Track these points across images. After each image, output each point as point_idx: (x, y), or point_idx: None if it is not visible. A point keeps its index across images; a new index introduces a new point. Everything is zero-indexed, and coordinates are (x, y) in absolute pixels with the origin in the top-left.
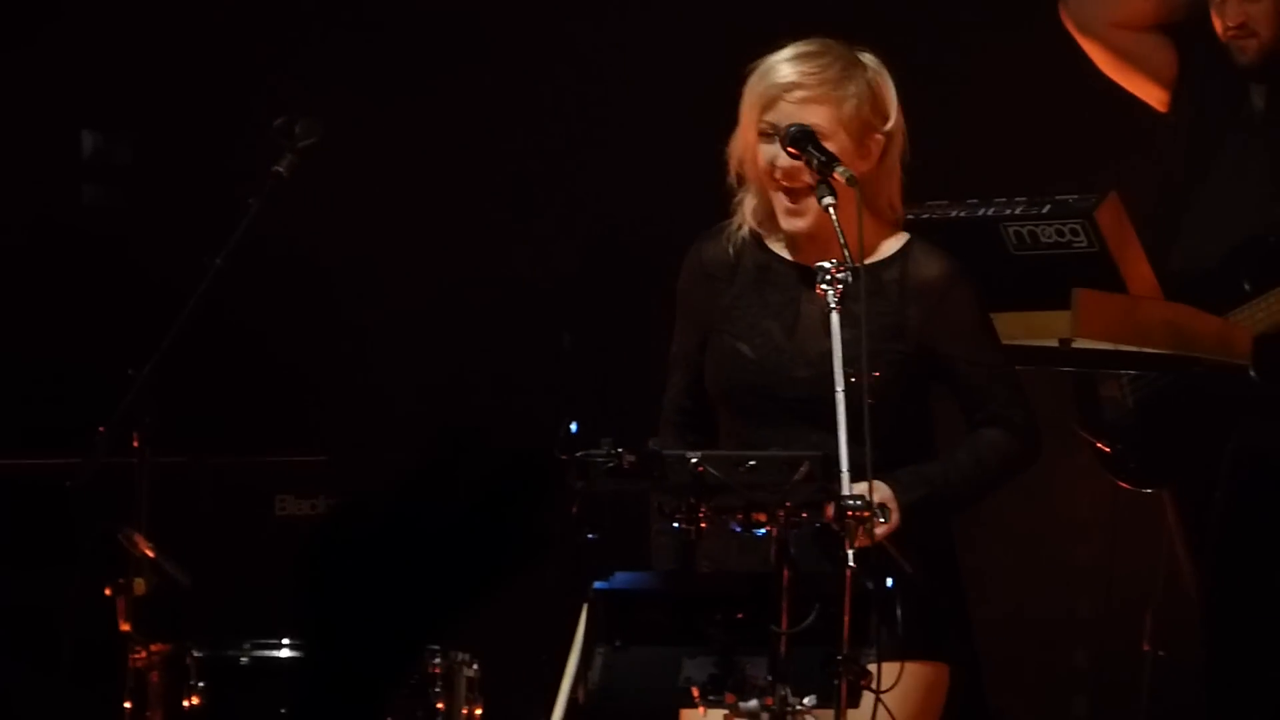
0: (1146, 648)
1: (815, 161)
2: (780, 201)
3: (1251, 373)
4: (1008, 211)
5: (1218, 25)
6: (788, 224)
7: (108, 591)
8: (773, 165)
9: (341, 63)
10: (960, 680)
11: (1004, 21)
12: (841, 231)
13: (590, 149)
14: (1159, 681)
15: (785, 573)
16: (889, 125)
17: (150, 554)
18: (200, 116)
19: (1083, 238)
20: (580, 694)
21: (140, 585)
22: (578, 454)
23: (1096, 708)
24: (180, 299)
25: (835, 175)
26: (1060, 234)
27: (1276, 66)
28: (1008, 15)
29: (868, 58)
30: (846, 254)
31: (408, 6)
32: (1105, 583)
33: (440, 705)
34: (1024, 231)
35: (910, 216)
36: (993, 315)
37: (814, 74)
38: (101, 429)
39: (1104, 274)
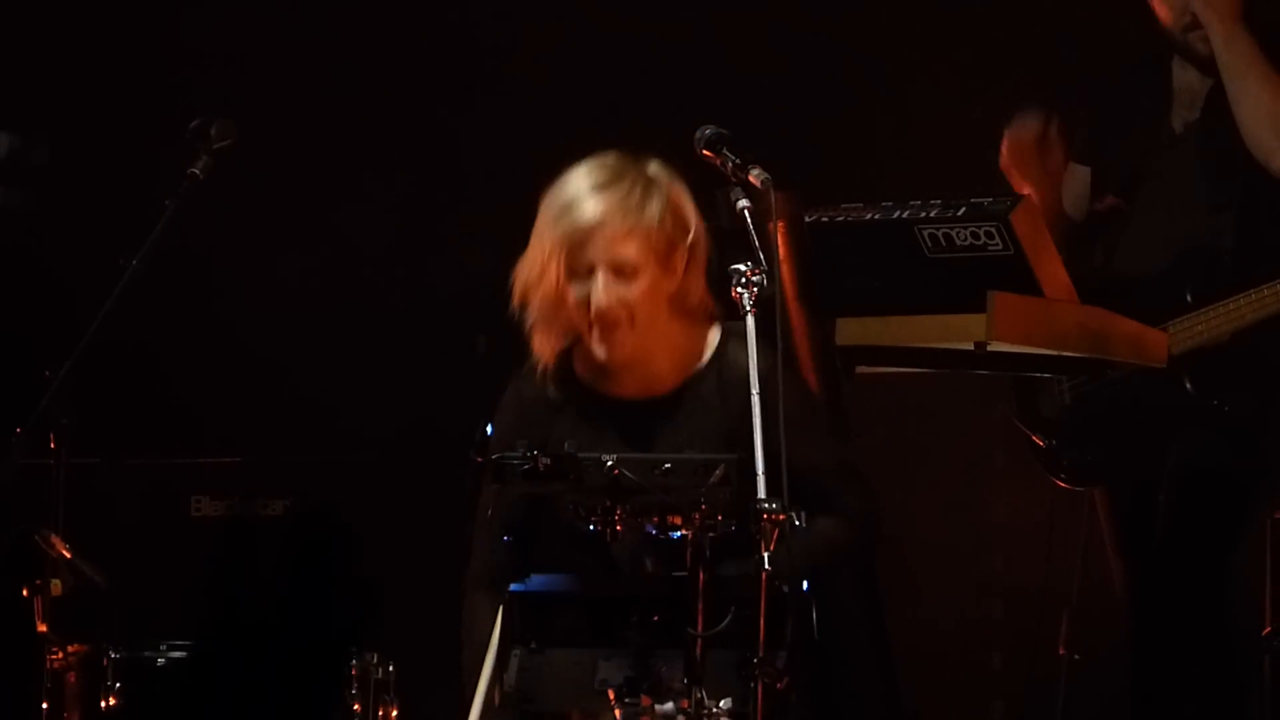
0: (1062, 651)
1: (730, 164)
2: (594, 336)
3: (1187, 385)
4: (923, 214)
5: (1169, 18)
6: (603, 354)
7: (24, 592)
8: (586, 304)
9: (258, 62)
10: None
11: (919, 21)
12: (755, 234)
13: (508, 148)
14: (1074, 684)
15: (701, 576)
16: (691, 236)
17: (67, 555)
18: (116, 117)
19: (998, 240)
20: (496, 696)
21: (57, 586)
22: (493, 457)
23: (1013, 711)
24: (96, 301)
25: (751, 177)
26: (976, 237)
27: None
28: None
29: (656, 168)
30: (762, 256)
31: (325, 5)
32: (1020, 587)
33: (356, 707)
34: (939, 234)
35: (825, 219)
36: (908, 318)
37: (619, 206)
38: (18, 431)
39: (1019, 277)
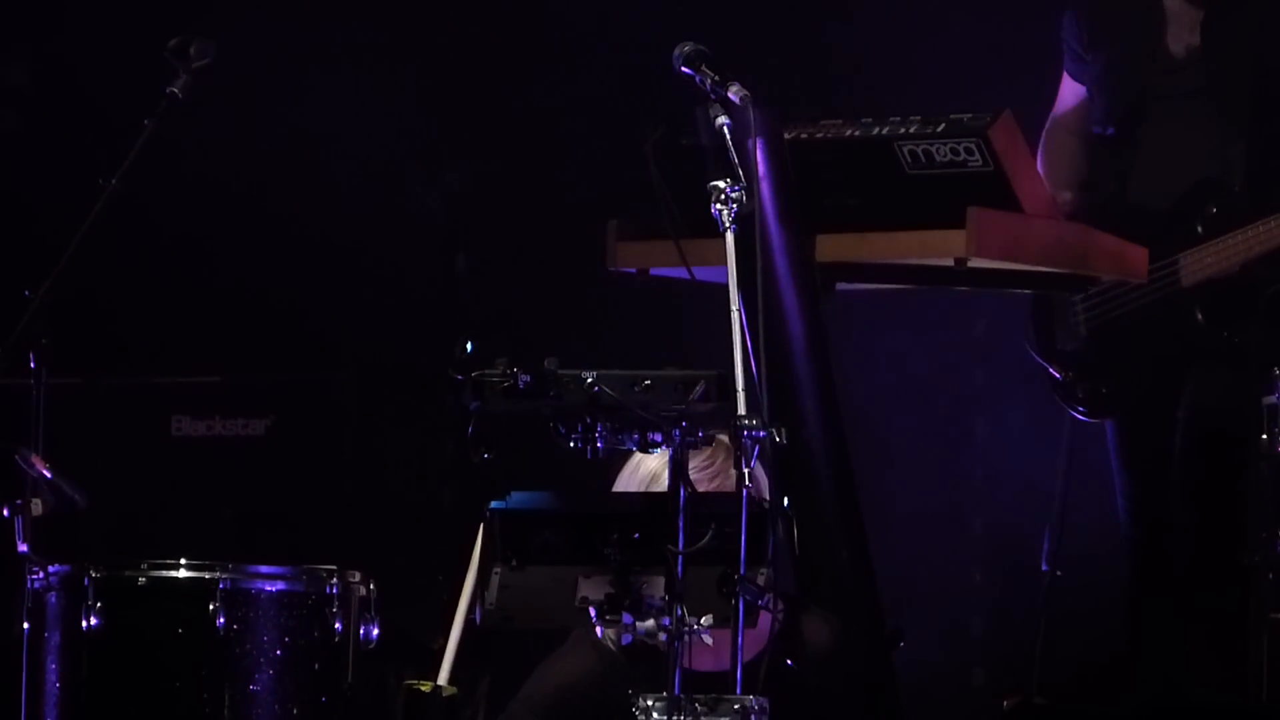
0: (1044, 568)
1: (709, 81)
2: None
3: (1198, 317)
4: (902, 131)
5: None
6: None
7: (4, 512)
8: None
9: None
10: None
11: None
12: (734, 150)
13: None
14: (1055, 601)
15: (681, 492)
16: None
17: (47, 474)
18: (94, 38)
19: (977, 156)
20: (477, 613)
21: (38, 506)
22: (473, 374)
23: (993, 626)
24: (76, 220)
25: (730, 93)
26: (955, 153)
27: None
28: None
29: None
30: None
31: None
32: (999, 503)
33: (337, 625)
34: (919, 151)
35: (804, 135)
36: (887, 235)
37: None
38: None
39: (999, 193)
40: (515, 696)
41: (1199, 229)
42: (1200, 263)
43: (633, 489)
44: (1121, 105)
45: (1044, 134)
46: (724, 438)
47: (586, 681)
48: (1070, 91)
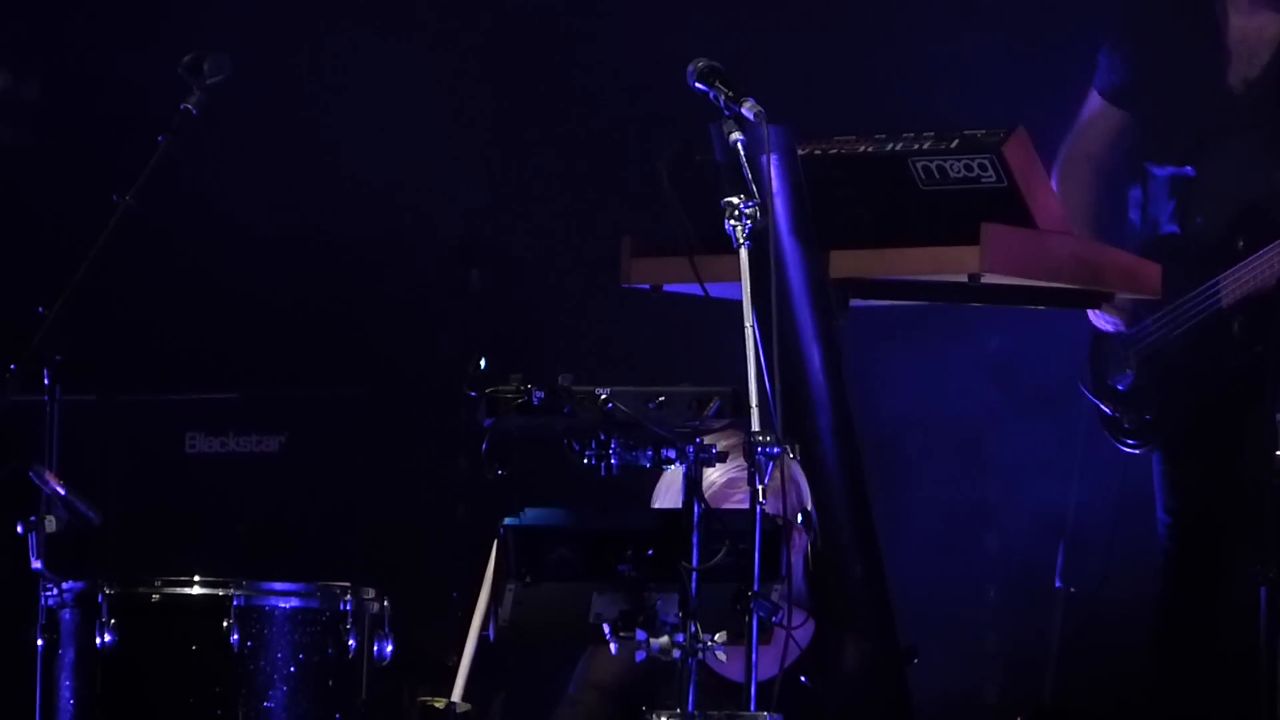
0: (1058, 585)
1: (724, 97)
2: None
3: (1235, 330)
4: (916, 147)
5: None
6: None
7: (19, 529)
8: None
9: None
10: None
11: None
12: (748, 167)
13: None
14: (1069, 618)
15: (696, 508)
16: None
17: (61, 491)
18: (109, 52)
19: (991, 173)
20: (491, 630)
21: (51, 523)
22: (487, 390)
23: (1008, 643)
24: (90, 236)
25: (744, 110)
26: (969, 169)
27: None
28: None
29: None
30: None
31: None
32: (1015, 520)
33: (351, 642)
34: (932, 166)
35: (818, 151)
36: (902, 251)
37: None
38: (12, 367)
39: (1012, 209)
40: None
41: (1239, 244)
42: (1240, 280)
43: (670, 502)
44: (1183, 144)
45: (1062, 156)
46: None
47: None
48: (1100, 114)
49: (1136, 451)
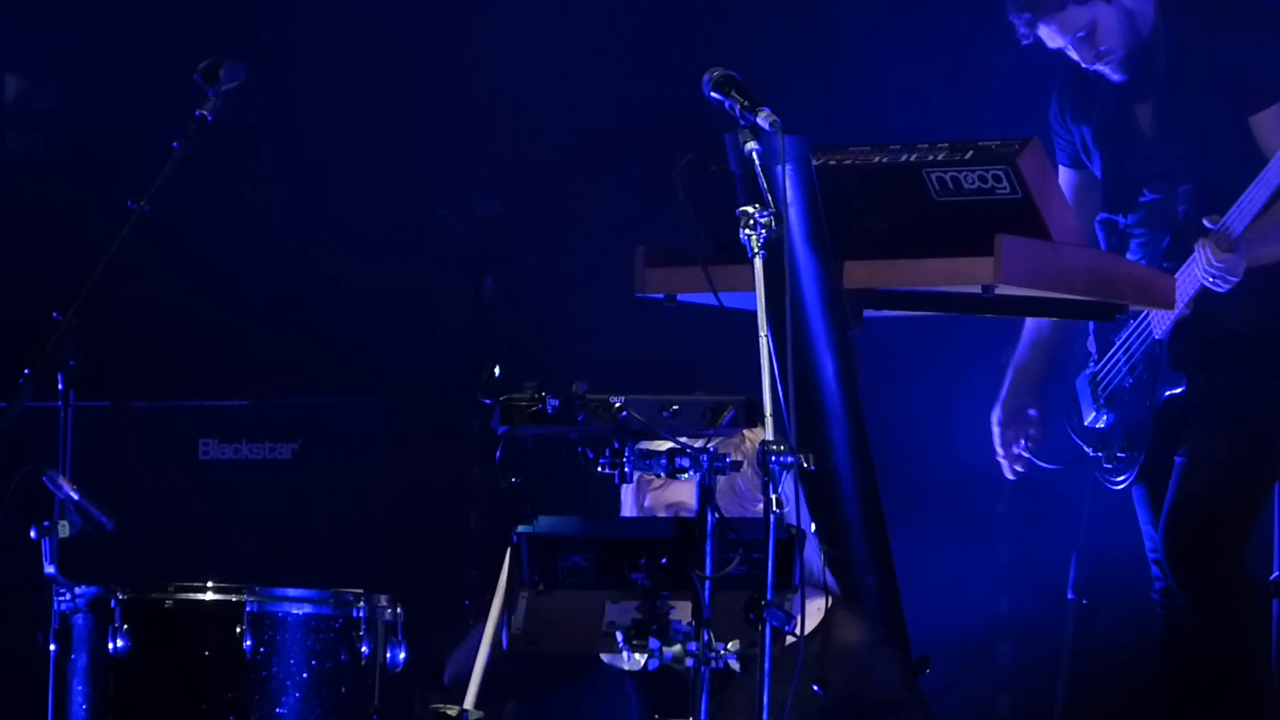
0: (1070, 596)
1: (739, 107)
2: None
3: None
4: (930, 158)
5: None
6: None
7: (33, 534)
8: None
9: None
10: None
11: None
12: (763, 177)
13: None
14: (1081, 630)
15: (710, 517)
16: None
17: (75, 496)
18: (124, 59)
19: (1006, 184)
20: (504, 638)
21: (65, 528)
22: (501, 398)
23: (1019, 654)
24: (104, 243)
25: (759, 120)
26: (983, 180)
27: (1148, 71)
28: None
29: None
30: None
31: None
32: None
33: (364, 649)
34: (947, 178)
35: (833, 162)
36: (916, 262)
37: None
38: (26, 373)
39: (1027, 220)
40: None
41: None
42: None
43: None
44: (1117, 194)
45: None
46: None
47: None
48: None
49: (1121, 487)
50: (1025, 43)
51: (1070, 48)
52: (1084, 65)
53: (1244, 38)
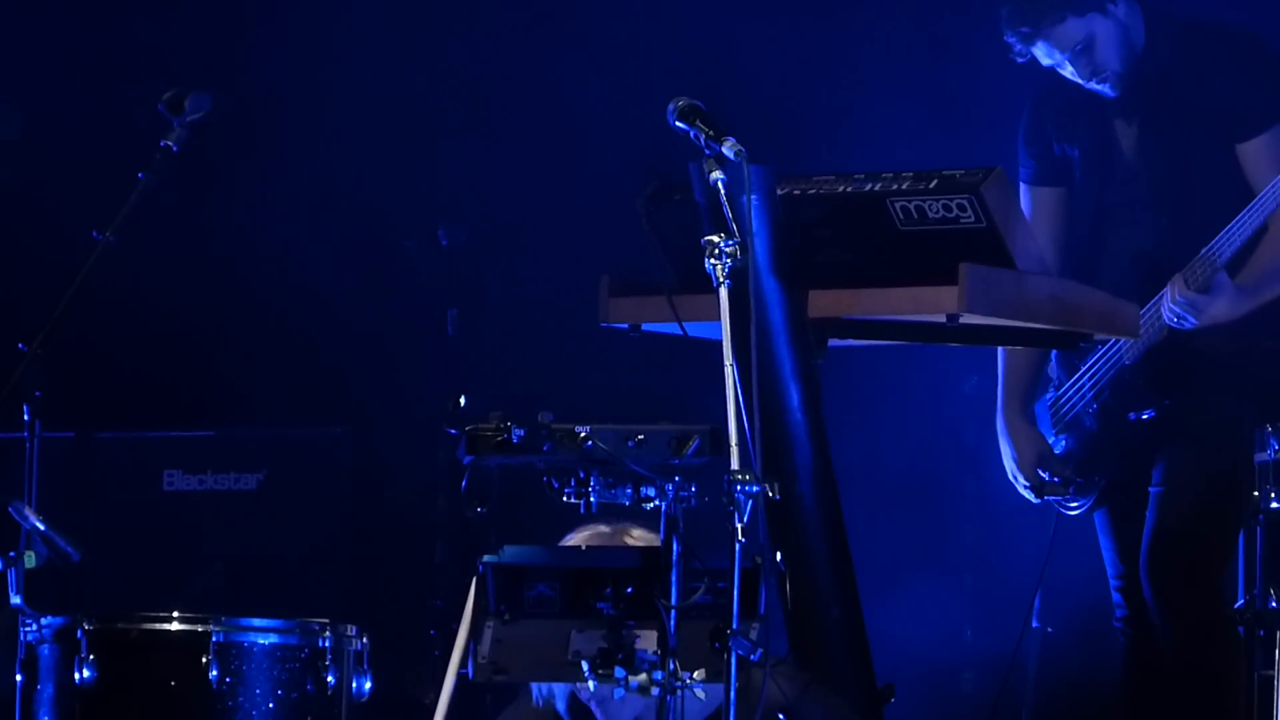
0: (1035, 625)
1: (705, 136)
2: None
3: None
4: (895, 187)
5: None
6: None
7: None
8: None
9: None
10: None
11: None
12: (729, 206)
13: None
14: (1046, 657)
15: (675, 547)
16: None
17: (41, 527)
18: (88, 90)
19: (970, 213)
20: (469, 667)
21: (31, 558)
22: (466, 428)
23: (983, 681)
24: (70, 274)
25: (725, 149)
26: (948, 209)
27: (1139, 91)
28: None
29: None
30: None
31: None
32: (989, 562)
33: (330, 679)
34: (911, 207)
35: (798, 191)
36: (880, 291)
37: None
38: None
39: (991, 249)
40: None
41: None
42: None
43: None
44: (1087, 214)
45: None
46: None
47: None
48: (1033, 202)
49: (1078, 513)
50: (1020, 60)
51: (1067, 62)
52: (1081, 82)
53: (1233, 67)
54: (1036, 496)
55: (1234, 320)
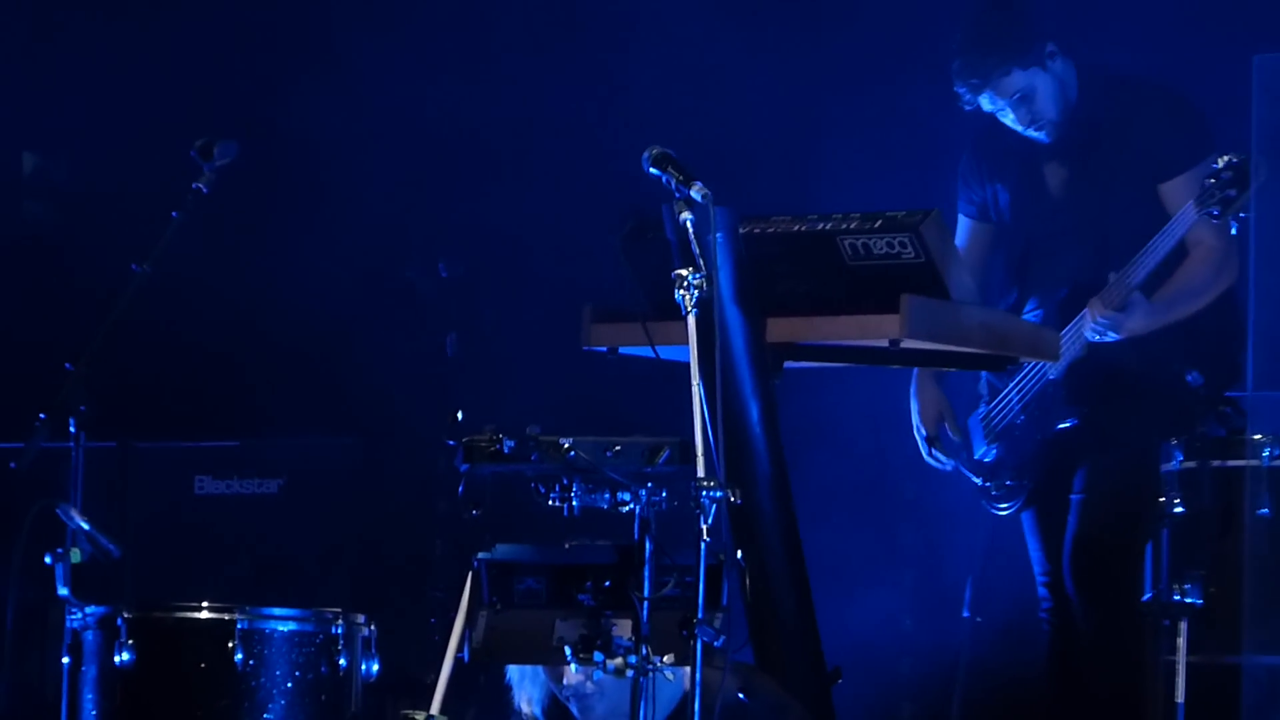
0: (966, 615)
1: (675, 180)
2: None
3: (1063, 394)
4: (844, 226)
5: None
6: None
7: (47, 559)
8: None
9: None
10: None
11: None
12: (696, 243)
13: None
14: (976, 644)
15: (648, 545)
16: None
17: (85, 526)
18: (129, 138)
19: (911, 249)
20: (465, 651)
21: (77, 554)
22: (463, 439)
23: (920, 667)
24: (111, 301)
25: (693, 192)
26: (891, 246)
27: (1069, 137)
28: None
29: None
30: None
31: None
32: (928, 558)
33: (342, 661)
34: (858, 244)
35: (757, 230)
36: (831, 319)
37: None
38: (42, 416)
39: (929, 282)
40: None
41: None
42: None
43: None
44: (1023, 249)
45: None
46: None
47: None
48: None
49: (1008, 513)
50: (968, 109)
51: (1009, 109)
52: (1020, 128)
53: (1156, 116)
54: (928, 448)
55: (1147, 341)
